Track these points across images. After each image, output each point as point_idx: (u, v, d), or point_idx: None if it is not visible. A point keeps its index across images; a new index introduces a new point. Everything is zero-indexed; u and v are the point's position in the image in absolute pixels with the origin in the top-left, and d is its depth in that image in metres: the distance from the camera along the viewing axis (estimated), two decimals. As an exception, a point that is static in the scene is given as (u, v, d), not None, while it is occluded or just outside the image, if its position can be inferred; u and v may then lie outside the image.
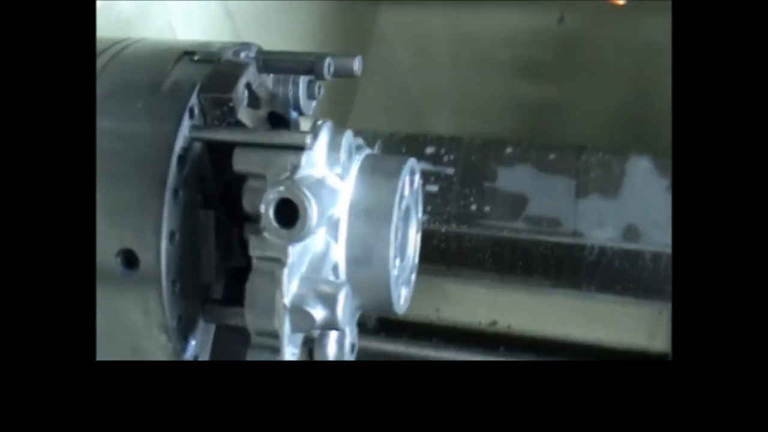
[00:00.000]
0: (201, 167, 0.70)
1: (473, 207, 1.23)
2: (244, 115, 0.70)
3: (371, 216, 0.72)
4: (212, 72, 0.71)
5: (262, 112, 0.73)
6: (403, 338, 1.36)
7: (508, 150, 1.28)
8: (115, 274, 0.66)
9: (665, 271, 1.18)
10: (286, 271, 0.63)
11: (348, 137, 0.72)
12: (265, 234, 0.63)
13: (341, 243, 0.71)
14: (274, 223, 0.63)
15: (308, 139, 0.66)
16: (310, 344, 0.73)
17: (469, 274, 1.28)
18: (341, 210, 0.72)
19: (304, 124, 0.79)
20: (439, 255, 1.26)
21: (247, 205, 0.68)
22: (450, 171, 1.27)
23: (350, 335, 0.75)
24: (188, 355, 0.71)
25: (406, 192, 0.76)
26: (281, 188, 0.63)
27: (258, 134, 0.69)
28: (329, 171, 0.70)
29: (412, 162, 0.77)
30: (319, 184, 0.67)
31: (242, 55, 0.76)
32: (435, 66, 1.95)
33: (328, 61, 0.75)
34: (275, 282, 0.63)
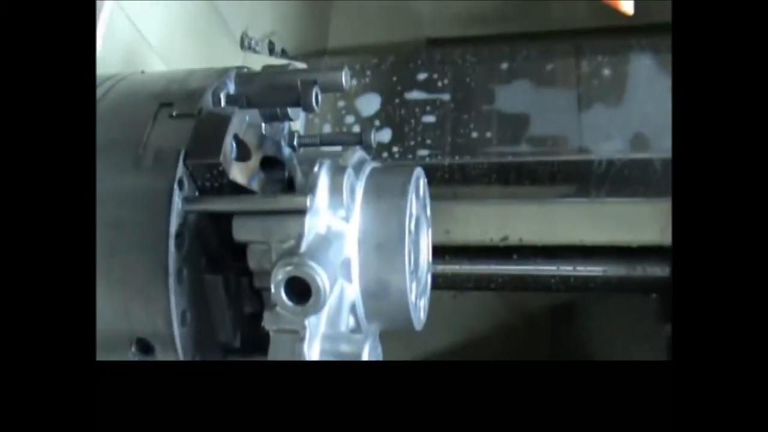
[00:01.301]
0: (201, 234, 0.69)
1: (474, 134, 1.20)
2: (236, 173, 0.67)
3: (383, 250, 0.71)
4: (195, 133, 0.67)
5: (254, 161, 0.70)
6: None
7: (503, 66, 1.23)
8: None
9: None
10: (305, 344, 0.64)
11: (349, 177, 0.69)
12: (278, 309, 0.63)
13: (355, 282, 0.71)
14: (288, 303, 0.62)
15: (309, 202, 0.64)
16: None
17: (477, 196, 1.28)
18: (351, 249, 0.71)
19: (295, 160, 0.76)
20: (445, 184, 1.25)
21: (253, 265, 0.67)
22: (446, 97, 1.23)
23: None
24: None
25: (414, 208, 0.75)
26: (289, 268, 0.61)
27: (255, 201, 0.66)
28: (333, 216, 0.68)
29: (417, 173, 0.75)
30: (326, 244, 0.65)
31: (222, 95, 0.72)
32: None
33: (315, 90, 0.71)
34: (296, 356, 0.64)
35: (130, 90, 0.74)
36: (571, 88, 1.19)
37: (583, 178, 1.20)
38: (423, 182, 0.79)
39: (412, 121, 1.22)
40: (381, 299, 0.72)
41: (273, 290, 0.62)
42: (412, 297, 0.73)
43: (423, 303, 0.79)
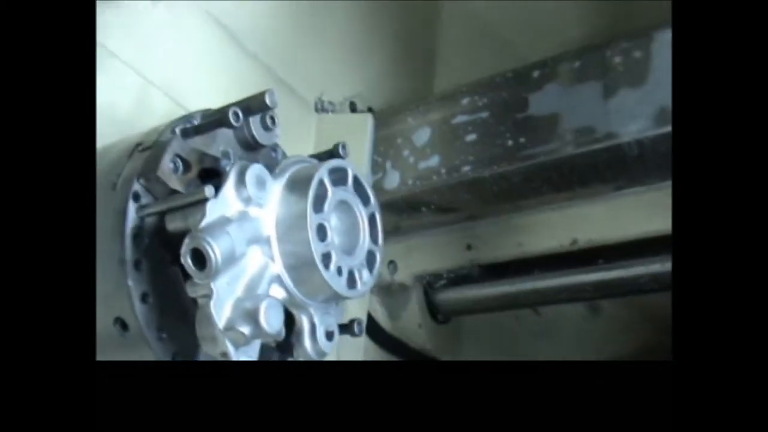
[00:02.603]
0: (160, 233, 0.88)
1: (509, 143, 1.27)
2: (174, 183, 0.87)
3: (292, 229, 0.85)
4: (147, 158, 0.89)
5: (193, 173, 0.89)
6: (505, 278, 1.43)
7: (535, 74, 1.29)
8: (117, 338, 0.87)
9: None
10: (212, 303, 0.79)
11: (253, 173, 0.85)
12: (193, 278, 0.80)
13: (277, 257, 0.85)
14: (193, 268, 0.79)
15: (208, 192, 0.81)
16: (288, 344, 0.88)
17: (533, 204, 1.31)
18: (270, 230, 0.85)
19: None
20: (496, 197, 1.31)
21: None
22: (484, 115, 1.31)
23: (323, 325, 0.88)
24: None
25: (329, 193, 0.87)
26: (188, 241, 0.78)
27: (179, 198, 0.85)
28: (246, 205, 0.84)
29: (325, 167, 0.88)
30: (226, 223, 0.81)
31: (178, 129, 0.93)
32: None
33: (233, 109, 0.89)
34: (207, 314, 0.79)
35: (120, 140, 0.98)
36: (597, 79, 1.22)
37: (623, 165, 1.19)
38: (350, 173, 0.91)
39: (457, 142, 1.33)
40: (298, 270, 0.85)
41: (182, 260, 0.79)
42: (331, 268, 0.85)
43: (365, 274, 0.90)
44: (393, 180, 1.38)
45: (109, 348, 0.88)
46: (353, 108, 1.55)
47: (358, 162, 1.38)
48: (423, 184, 1.34)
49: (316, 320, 0.88)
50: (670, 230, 1.25)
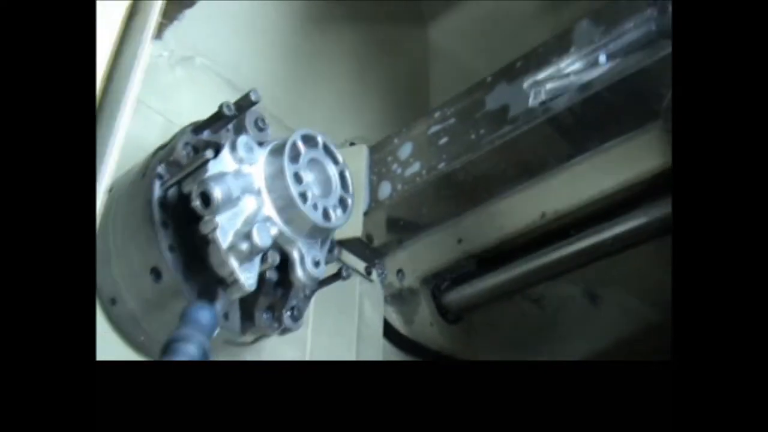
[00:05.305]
0: (183, 200, 1.14)
1: (473, 136, 1.51)
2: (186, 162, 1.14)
3: (276, 179, 1.10)
4: (166, 149, 1.16)
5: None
6: (497, 269, 1.63)
7: (489, 79, 1.55)
8: (153, 286, 1.11)
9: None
10: (218, 232, 1.03)
11: (242, 140, 1.11)
12: (203, 216, 1.05)
13: (267, 203, 1.10)
14: (201, 207, 1.04)
15: (208, 154, 1.08)
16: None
17: (503, 189, 1.54)
18: (260, 183, 1.10)
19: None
20: (472, 187, 1.54)
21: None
22: (452, 121, 1.57)
23: (309, 255, 1.11)
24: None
25: (302, 151, 1.13)
26: (195, 185, 1.04)
27: (185, 168, 1.11)
28: (240, 165, 1.10)
29: (297, 133, 1.14)
30: (224, 175, 1.07)
31: (188, 130, 1.21)
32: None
33: (225, 103, 1.16)
34: (215, 241, 1.03)
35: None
36: (532, 71, 1.47)
37: (563, 133, 1.42)
38: (320, 139, 1.17)
39: (433, 148, 1.58)
40: (285, 211, 1.09)
41: (192, 204, 1.04)
42: (308, 203, 1.09)
43: (339, 212, 1.14)
44: (385, 190, 1.63)
45: (147, 297, 1.12)
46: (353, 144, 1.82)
47: (357, 185, 1.62)
48: (409, 187, 1.58)
49: (304, 252, 1.11)
50: (620, 187, 1.46)
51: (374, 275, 1.73)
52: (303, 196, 1.09)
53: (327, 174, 1.17)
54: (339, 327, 1.63)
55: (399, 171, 1.62)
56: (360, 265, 1.71)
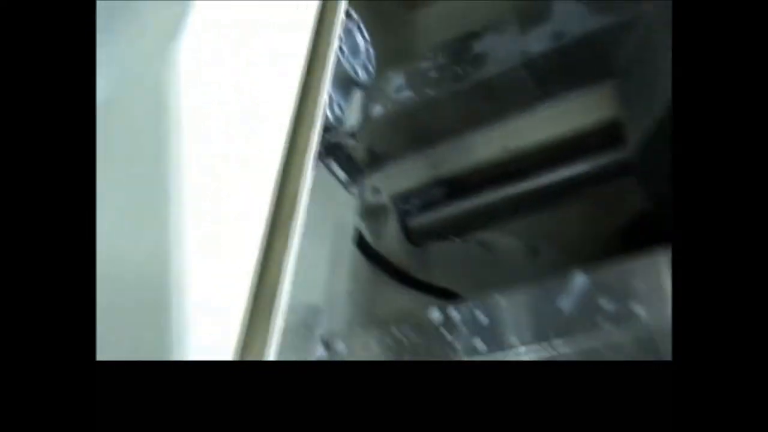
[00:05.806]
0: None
1: (459, 72, 1.80)
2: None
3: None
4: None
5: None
6: (461, 197, 1.89)
7: (480, 30, 1.85)
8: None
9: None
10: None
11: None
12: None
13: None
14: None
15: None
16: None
17: (476, 125, 1.83)
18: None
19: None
20: (451, 117, 1.82)
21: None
22: (442, 60, 1.86)
23: (335, 100, 1.37)
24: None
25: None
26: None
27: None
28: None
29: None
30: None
31: None
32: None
33: None
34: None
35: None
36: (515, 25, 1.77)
37: (533, 78, 1.72)
38: (355, 16, 1.44)
39: (422, 78, 1.86)
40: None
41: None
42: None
43: (361, 73, 1.41)
44: (377, 111, 1.90)
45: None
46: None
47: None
48: (398, 107, 1.86)
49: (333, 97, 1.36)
50: (574, 133, 1.75)
51: (354, 189, 1.97)
52: (340, 50, 1.36)
53: (356, 42, 1.44)
54: (317, 228, 1.84)
55: (391, 96, 1.90)
56: (344, 177, 1.95)
